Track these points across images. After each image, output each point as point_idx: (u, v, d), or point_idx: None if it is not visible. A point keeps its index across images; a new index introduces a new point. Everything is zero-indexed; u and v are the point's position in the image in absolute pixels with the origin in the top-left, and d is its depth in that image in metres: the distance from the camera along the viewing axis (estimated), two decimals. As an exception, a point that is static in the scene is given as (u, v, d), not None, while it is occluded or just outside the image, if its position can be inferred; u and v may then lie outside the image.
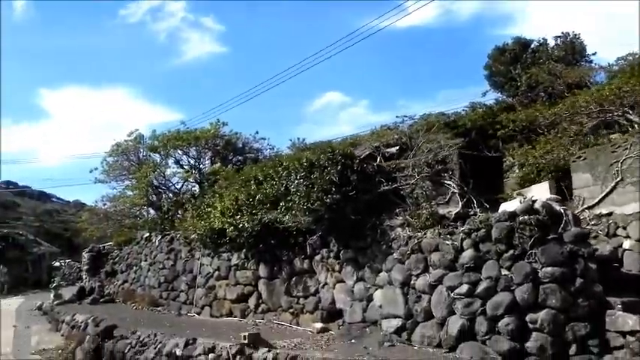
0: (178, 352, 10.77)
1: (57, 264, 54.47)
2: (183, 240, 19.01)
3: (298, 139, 29.68)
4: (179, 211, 35.91)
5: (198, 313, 17.08)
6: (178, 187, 38.06)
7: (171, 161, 37.85)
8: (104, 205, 41.79)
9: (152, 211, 39.61)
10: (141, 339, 12.75)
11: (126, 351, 13.02)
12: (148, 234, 22.44)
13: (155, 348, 11.84)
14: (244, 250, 15.29)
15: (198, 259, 17.77)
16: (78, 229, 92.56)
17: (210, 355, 10.07)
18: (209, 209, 16.42)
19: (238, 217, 14.56)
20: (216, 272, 16.63)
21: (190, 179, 37.07)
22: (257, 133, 36.67)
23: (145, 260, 21.72)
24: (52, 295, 23.42)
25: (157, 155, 38.49)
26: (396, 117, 17.05)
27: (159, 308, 19.28)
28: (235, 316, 15.38)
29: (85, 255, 31.44)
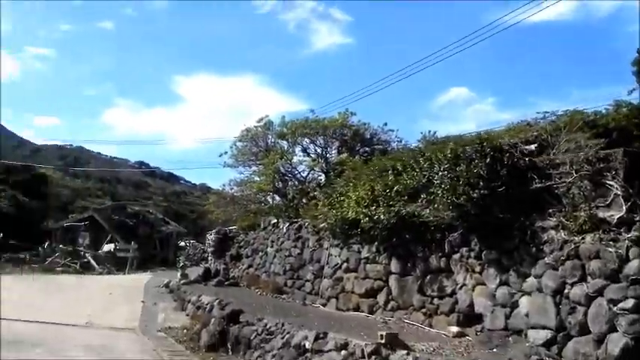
0: (307, 344, 10.24)
1: (182, 244, 56.18)
2: (311, 228, 18.59)
3: (429, 131, 28.74)
4: (304, 200, 35.92)
5: (324, 305, 16.61)
6: (304, 175, 38.17)
7: (298, 149, 37.79)
8: (231, 189, 42.60)
9: (277, 198, 40.04)
10: (267, 327, 12.35)
11: (252, 337, 12.69)
12: (275, 220, 22.23)
13: (282, 338, 11.39)
14: (376, 243, 14.63)
15: (327, 249, 17.28)
16: (203, 211, 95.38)
17: (343, 352, 9.45)
18: (342, 198, 15.88)
19: (373, 207, 13.93)
20: (345, 264, 16.08)
21: (316, 168, 36.98)
22: (385, 124, 35.91)
23: (271, 246, 21.52)
24: (178, 275, 23.74)
25: (285, 142, 38.71)
26: (537, 113, 15.82)
27: (283, 296, 19.01)
28: (362, 311, 14.77)
29: (212, 237, 31.86)
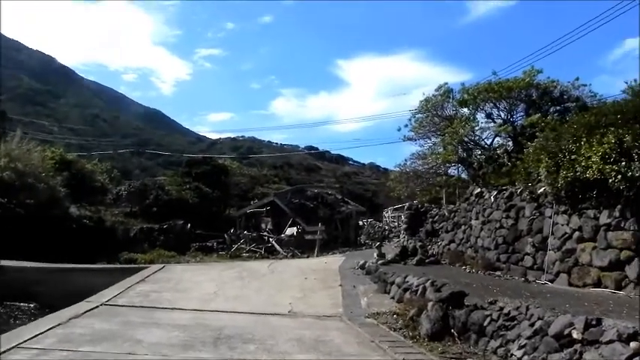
0: (575, 334, 8.06)
1: (359, 223, 55.19)
2: (527, 195, 16.22)
3: (635, 80, 25.68)
4: (490, 167, 33.34)
5: (551, 281, 14.39)
6: (487, 142, 35.61)
7: (480, 116, 35.38)
8: (412, 163, 40.80)
9: (461, 169, 37.73)
10: (505, 311, 10.27)
11: (484, 324, 10.68)
12: (479, 190, 20.01)
13: (531, 324, 9.28)
14: (619, 207, 12.13)
15: (550, 218, 14.88)
16: (377, 189, 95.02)
17: (633, 344, 7.19)
18: (573, 157, 13.39)
19: (623, 163, 11.43)
20: (577, 233, 13.66)
21: (502, 133, 34.32)
22: (577, 79, 32.67)
23: (476, 219, 19.40)
24: (375, 255, 22.14)
25: (465, 110, 36.30)
26: None
27: (496, 273, 16.94)
28: (606, 287, 12.41)
29: (404, 213, 30.09)
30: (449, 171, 38.52)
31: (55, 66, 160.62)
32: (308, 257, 33.35)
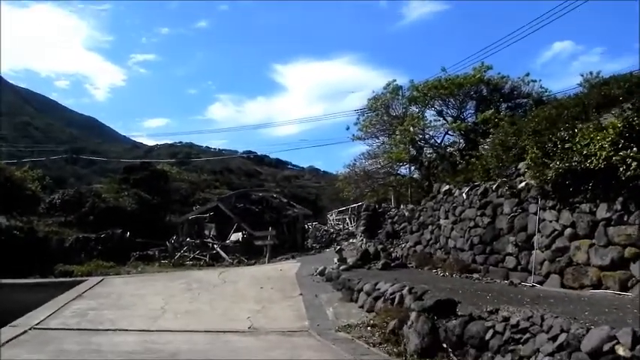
0: (621, 350, 6.59)
1: (306, 226, 53.66)
2: (507, 191, 14.85)
3: (591, 73, 25.09)
4: (442, 166, 32.32)
5: (540, 283, 13.12)
6: (438, 140, 34.64)
7: (429, 113, 34.46)
8: (361, 163, 39.53)
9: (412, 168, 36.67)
10: (512, 322, 8.76)
11: (487, 337, 9.14)
12: (447, 187, 18.60)
13: (552, 339, 7.78)
14: (620, 199, 10.85)
15: (535, 214, 13.54)
16: (318, 192, 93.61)
17: None
18: (567, 145, 12.04)
19: (635, 149, 10.13)
20: (569, 229, 12.37)
21: (455, 131, 33.38)
22: (528, 74, 32.03)
23: (446, 218, 18.03)
24: (335, 260, 20.47)
25: (414, 107, 35.26)
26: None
27: (474, 275, 15.57)
28: (607, 288, 11.16)
29: (361, 215, 28.76)
30: (399, 170, 37.54)
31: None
32: (255, 264, 31.54)
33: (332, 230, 56.53)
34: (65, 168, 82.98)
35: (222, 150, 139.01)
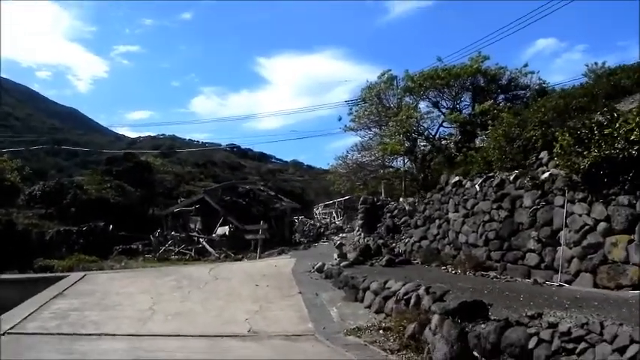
0: None
1: (294, 220, 52.46)
2: (528, 182, 13.68)
3: (596, 63, 24.29)
4: (436, 159, 31.24)
5: (569, 282, 11.93)
6: (432, 132, 33.58)
7: (423, 104, 33.48)
8: (353, 155, 38.41)
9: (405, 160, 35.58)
10: (562, 329, 7.58)
11: (530, 346, 7.95)
12: (457, 178, 17.39)
13: (620, 350, 6.61)
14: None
15: (562, 207, 12.37)
16: (303, 186, 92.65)
17: None
18: (606, 130, 10.89)
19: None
20: (603, 224, 11.20)
21: (450, 122, 32.40)
22: (526, 65, 31.02)
23: (455, 211, 16.86)
24: (335, 255, 19.23)
25: (408, 98, 34.19)
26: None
27: (490, 273, 14.37)
28: (657, 288, 9.98)
29: (359, 209, 27.49)
30: (393, 163, 36.53)
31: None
32: (243, 258, 30.31)
33: (319, 224, 55.54)
34: (46, 160, 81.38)
35: (206, 143, 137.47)
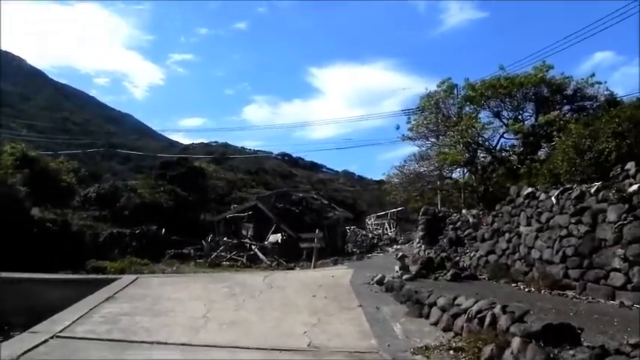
0: None
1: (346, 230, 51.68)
2: (613, 195, 12.60)
3: None
4: (498, 170, 30.17)
5: (669, 306, 10.76)
6: (492, 143, 32.64)
7: (484, 114, 32.59)
8: (411, 165, 37.56)
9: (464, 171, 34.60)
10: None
11: (637, 381, 6.97)
12: (529, 189, 16.38)
13: None
14: None
15: (658, 222, 11.29)
16: (353, 196, 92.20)
17: None
18: None
19: None
20: None
21: (511, 134, 31.46)
22: (593, 75, 29.76)
23: (527, 225, 15.81)
24: (397, 268, 18.30)
25: (469, 108, 33.32)
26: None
27: (567, 293, 13.29)
28: None
29: (419, 220, 26.65)
30: (452, 174, 35.67)
31: (26, 68, 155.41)
32: (295, 267, 29.72)
33: (371, 235, 54.81)
34: (101, 164, 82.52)
35: (257, 151, 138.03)
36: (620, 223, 12.23)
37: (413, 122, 35.37)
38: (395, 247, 41.99)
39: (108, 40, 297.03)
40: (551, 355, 8.22)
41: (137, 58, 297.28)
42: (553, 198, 14.82)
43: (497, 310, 10.53)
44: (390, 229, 57.07)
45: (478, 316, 11.01)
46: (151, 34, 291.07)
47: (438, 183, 35.14)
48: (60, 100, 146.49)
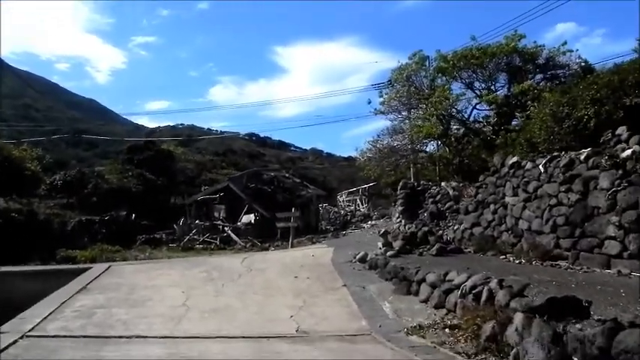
0: None
1: (319, 208, 51.21)
2: (606, 161, 12.16)
3: None
4: (474, 142, 29.84)
5: (666, 275, 10.37)
6: (465, 115, 32.30)
7: (456, 86, 32.13)
8: (382, 140, 37.06)
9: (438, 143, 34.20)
10: None
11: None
12: (515, 159, 15.92)
13: None
14: None
15: (654, 187, 10.87)
16: (322, 174, 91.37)
17: None
18: None
19: None
20: None
21: (489, 104, 31.07)
22: (565, 44, 29.37)
23: (514, 195, 15.36)
24: (380, 244, 17.81)
25: (441, 80, 32.86)
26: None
27: (560, 263, 12.89)
28: None
29: (398, 194, 26.11)
30: (426, 147, 35.28)
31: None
32: (270, 247, 29.09)
33: (343, 212, 54.43)
34: (66, 150, 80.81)
35: (224, 132, 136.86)
36: (613, 189, 11.81)
37: (385, 96, 34.69)
38: (370, 222, 41.55)
39: (67, 24, 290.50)
40: (557, 331, 7.75)
41: (98, 42, 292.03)
42: (541, 166, 14.39)
43: (493, 284, 10.06)
44: (363, 205, 56.67)
45: (473, 291, 10.54)
46: (112, 17, 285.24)
47: (411, 157, 34.61)
48: (21, 87, 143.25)
